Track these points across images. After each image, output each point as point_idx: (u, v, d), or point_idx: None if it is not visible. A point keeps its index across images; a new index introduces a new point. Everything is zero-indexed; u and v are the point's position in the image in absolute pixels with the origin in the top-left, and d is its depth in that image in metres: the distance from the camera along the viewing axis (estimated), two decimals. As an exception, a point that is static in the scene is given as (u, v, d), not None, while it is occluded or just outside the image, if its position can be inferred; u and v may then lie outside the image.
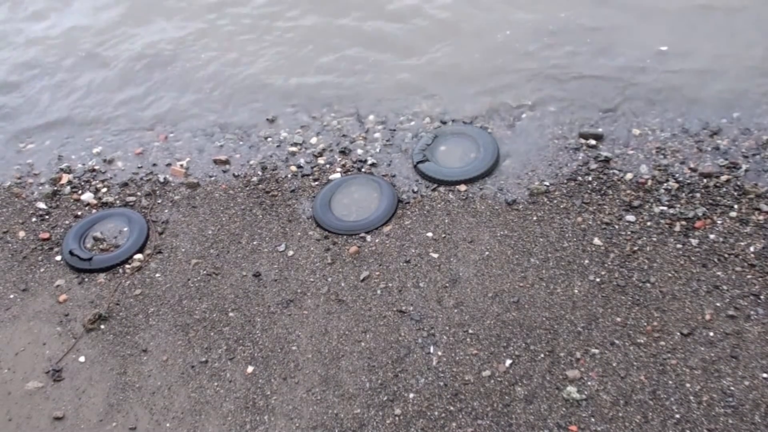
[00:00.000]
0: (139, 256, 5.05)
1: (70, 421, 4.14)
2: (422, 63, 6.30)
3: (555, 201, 4.92)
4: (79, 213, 5.47)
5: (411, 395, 3.99)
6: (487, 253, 4.66)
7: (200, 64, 6.80)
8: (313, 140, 5.80)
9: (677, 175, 4.94)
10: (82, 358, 4.47)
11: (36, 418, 4.17)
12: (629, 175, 5.00)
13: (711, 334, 4.02)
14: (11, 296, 4.90)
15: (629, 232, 4.63)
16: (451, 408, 3.91)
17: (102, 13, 7.66)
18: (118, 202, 5.52)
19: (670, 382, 3.84)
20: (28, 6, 8.00)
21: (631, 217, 4.71)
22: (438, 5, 6.86)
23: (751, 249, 4.39)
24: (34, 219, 5.47)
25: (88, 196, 5.58)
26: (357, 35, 6.73)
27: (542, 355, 4.07)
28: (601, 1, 6.50)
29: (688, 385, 3.82)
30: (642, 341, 4.04)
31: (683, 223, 4.62)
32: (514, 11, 6.62)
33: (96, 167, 5.86)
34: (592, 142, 5.30)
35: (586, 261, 4.51)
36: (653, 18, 6.27)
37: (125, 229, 5.26)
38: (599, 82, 5.77)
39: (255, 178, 5.52)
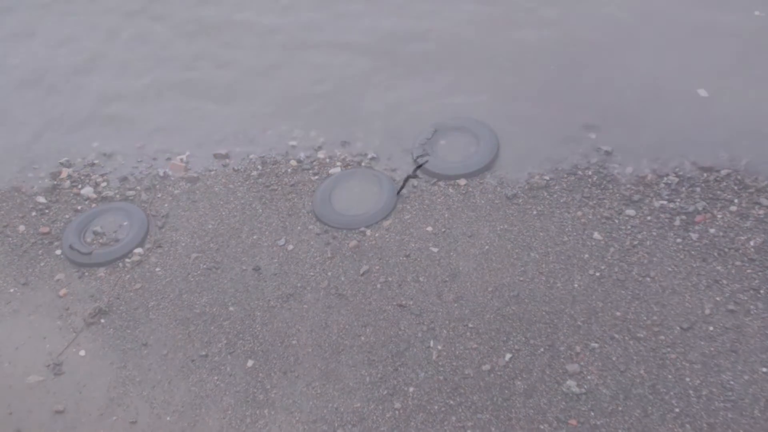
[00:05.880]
0: (139, 250, 5.05)
1: (71, 415, 4.15)
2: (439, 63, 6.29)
3: (555, 195, 4.92)
4: (79, 207, 5.47)
5: (411, 389, 4.00)
6: (486, 247, 4.66)
7: (200, 59, 6.79)
8: (313, 133, 5.79)
9: (677, 168, 4.95)
10: (82, 352, 4.47)
11: (37, 412, 4.18)
12: (629, 169, 5.00)
13: (711, 328, 4.03)
14: (11, 290, 4.91)
15: (629, 227, 4.63)
16: (451, 402, 3.92)
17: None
18: (117, 196, 5.52)
19: (670, 376, 3.85)
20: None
21: (631, 212, 4.71)
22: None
23: (751, 243, 4.39)
24: (33, 213, 5.47)
25: (87, 191, 5.58)
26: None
27: (542, 350, 4.07)
28: None
29: (687, 379, 3.82)
30: (642, 335, 4.04)
31: (683, 217, 4.62)
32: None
33: (96, 161, 5.85)
34: (593, 135, 5.29)
35: (586, 255, 4.51)
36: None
37: (125, 223, 5.26)
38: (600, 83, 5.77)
39: (255, 173, 5.51)
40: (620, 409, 3.75)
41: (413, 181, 5.18)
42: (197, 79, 6.51)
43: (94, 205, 5.49)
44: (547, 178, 5.05)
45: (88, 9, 7.50)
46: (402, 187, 5.09)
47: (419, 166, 5.21)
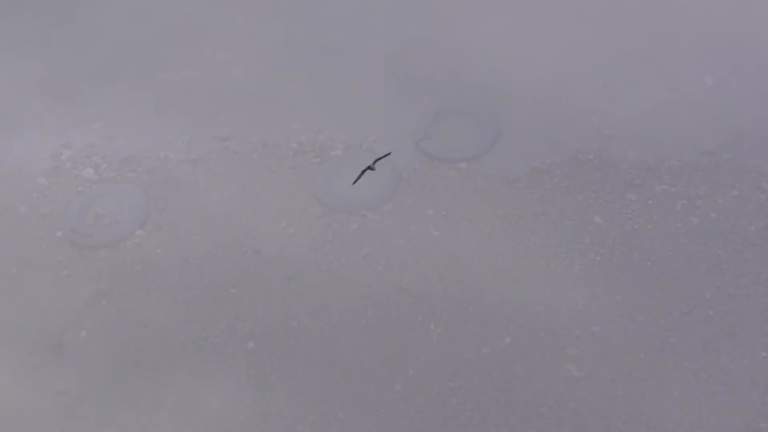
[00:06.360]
0: (140, 232, 5.05)
1: (72, 396, 4.17)
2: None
3: (556, 179, 4.91)
4: (80, 189, 5.46)
5: (411, 372, 4.01)
6: (488, 231, 4.66)
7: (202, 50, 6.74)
8: (314, 116, 5.76)
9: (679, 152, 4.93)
10: (83, 333, 4.48)
11: (38, 393, 4.20)
12: (631, 153, 4.98)
13: (711, 312, 4.03)
14: (13, 271, 4.91)
15: (630, 211, 4.62)
16: (451, 385, 3.93)
17: None
18: (119, 178, 5.50)
19: (669, 360, 3.86)
20: None
21: (632, 196, 4.70)
22: None
23: (752, 228, 4.39)
24: (34, 194, 5.46)
25: (88, 172, 5.57)
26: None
27: (542, 333, 4.08)
28: None
29: (687, 363, 3.83)
30: (642, 319, 4.05)
31: (684, 201, 4.61)
32: None
33: (97, 143, 5.83)
34: (595, 120, 5.27)
35: (587, 239, 4.50)
36: None
37: (126, 205, 5.26)
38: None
39: (256, 155, 5.50)
40: (619, 392, 3.76)
41: (414, 164, 5.16)
42: (199, 77, 6.44)
43: (95, 186, 5.48)
44: (549, 162, 5.03)
45: (88, 11, 7.44)
46: (358, 178, 5.05)
47: (378, 159, 5.17)
